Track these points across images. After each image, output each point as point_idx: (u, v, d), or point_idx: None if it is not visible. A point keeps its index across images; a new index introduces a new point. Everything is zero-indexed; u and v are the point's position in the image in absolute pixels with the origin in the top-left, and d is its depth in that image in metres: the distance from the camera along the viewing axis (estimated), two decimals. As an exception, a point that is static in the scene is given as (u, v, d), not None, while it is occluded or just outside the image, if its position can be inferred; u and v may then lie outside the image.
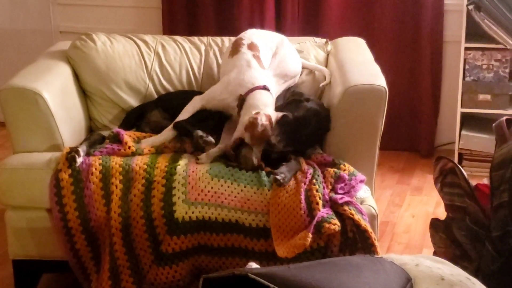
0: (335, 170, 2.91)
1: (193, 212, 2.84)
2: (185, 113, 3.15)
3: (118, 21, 5.08)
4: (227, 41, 3.58)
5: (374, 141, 3.03)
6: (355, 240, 2.78)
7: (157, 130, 3.17)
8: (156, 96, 3.46)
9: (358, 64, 3.30)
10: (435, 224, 2.91)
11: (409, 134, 4.79)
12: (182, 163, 2.94)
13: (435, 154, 4.53)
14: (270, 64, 3.30)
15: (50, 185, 2.92)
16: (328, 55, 3.59)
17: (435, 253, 2.86)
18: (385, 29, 4.66)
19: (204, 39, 3.64)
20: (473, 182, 2.74)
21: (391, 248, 3.57)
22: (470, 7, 4.09)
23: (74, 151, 2.93)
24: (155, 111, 3.30)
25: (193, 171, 2.90)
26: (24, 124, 3.06)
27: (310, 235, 2.71)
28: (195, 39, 3.65)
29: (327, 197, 2.82)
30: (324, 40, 3.66)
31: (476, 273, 2.44)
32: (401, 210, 4.02)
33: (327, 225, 2.72)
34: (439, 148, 4.79)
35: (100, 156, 2.98)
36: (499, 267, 2.48)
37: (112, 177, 2.91)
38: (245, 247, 2.85)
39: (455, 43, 4.51)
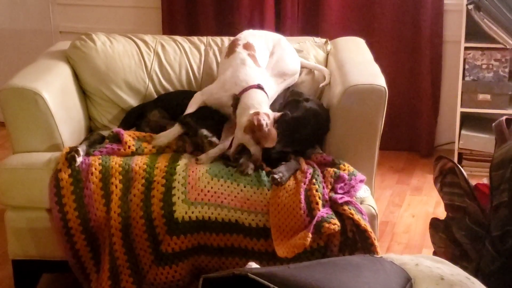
0: (335, 170, 2.91)
1: (193, 212, 2.83)
2: (190, 109, 3.16)
3: (118, 21, 5.08)
4: (227, 41, 3.57)
5: (374, 141, 3.03)
6: (355, 240, 2.78)
7: (157, 129, 3.17)
8: (155, 96, 3.46)
9: (358, 64, 3.30)
10: (435, 224, 2.91)
11: (409, 134, 4.79)
12: (181, 163, 2.94)
13: (435, 154, 4.52)
14: (268, 63, 3.30)
15: (50, 185, 2.93)
16: (327, 55, 3.58)
17: (435, 253, 2.86)
18: (385, 29, 4.65)
19: (204, 39, 3.64)
20: (473, 182, 2.74)
21: (391, 248, 3.57)
22: (470, 7, 4.09)
23: (73, 151, 2.93)
24: (155, 111, 3.30)
25: (192, 171, 2.90)
26: (24, 124, 3.06)
27: (310, 235, 2.71)
28: (195, 39, 3.64)
29: (326, 197, 2.82)
30: (323, 40, 3.66)
31: (475, 273, 2.44)
32: (401, 210, 4.02)
33: (327, 225, 2.72)
34: (439, 148, 4.78)
35: (100, 156, 2.98)
36: (499, 267, 2.47)
37: (112, 177, 2.91)
38: (245, 247, 2.85)
39: (454, 43, 4.51)
